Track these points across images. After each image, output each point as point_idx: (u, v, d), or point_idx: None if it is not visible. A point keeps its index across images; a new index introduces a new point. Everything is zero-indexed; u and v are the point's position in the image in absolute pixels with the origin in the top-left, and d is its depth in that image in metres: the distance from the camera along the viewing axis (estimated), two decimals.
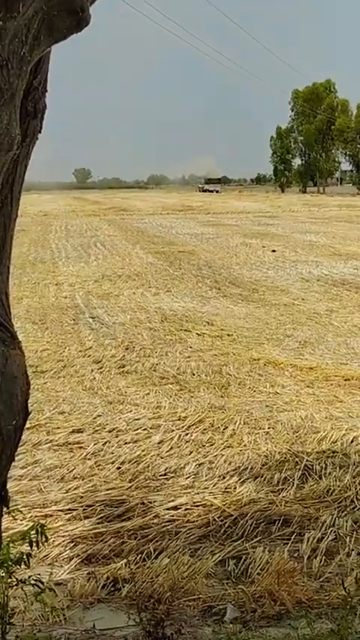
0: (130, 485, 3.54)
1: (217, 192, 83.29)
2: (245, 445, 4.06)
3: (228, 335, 6.84)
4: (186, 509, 3.27)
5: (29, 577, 2.22)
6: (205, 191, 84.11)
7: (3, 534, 1.76)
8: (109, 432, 4.27)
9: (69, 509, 3.29)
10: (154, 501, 3.35)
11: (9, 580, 2.19)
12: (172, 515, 3.21)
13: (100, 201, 48.71)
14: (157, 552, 2.88)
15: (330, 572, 2.75)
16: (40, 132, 1.50)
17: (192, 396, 4.96)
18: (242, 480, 3.60)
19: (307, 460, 3.81)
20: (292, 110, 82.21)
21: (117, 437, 4.19)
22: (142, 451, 3.96)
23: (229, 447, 4.04)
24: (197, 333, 6.92)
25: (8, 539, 2.24)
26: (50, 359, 5.99)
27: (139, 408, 4.70)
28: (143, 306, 8.36)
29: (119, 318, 7.70)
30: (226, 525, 3.13)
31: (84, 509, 3.29)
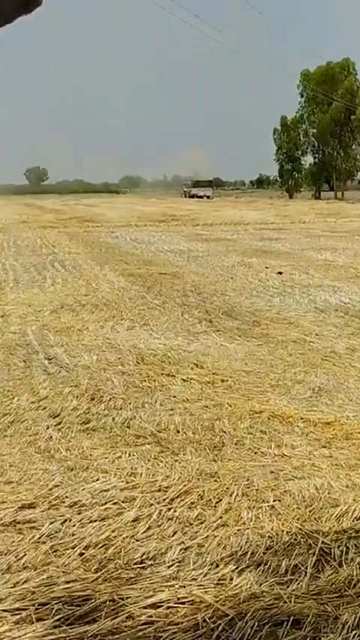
0: (96, 576, 3.52)
1: (207, 197, 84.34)
2: (244, 523, 4.06)
3: (222, 381, 6.87)
4: (168, 608, 3.26)
5: None
6: (192, 196, 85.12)
7: None
8: (70, 507, 4.26)
9: (17, 609, 3.26)
10: (128, 597, 3.33)
11: None
12: (151, 616, 3.19)
13: (60, 209, 49.01)
14: None
15: None
16: None
17: (176, 460, 4.96)
18: (240, 568, 3.59)
19: (323, 542, 3.81)
20: (302, 96, 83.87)
21: (79, 513, 4.17)
22: (112, 532, 3.95)
23: (223, 525, 4.04)
24: (183, 379, 6.94)
25: None
26: None
27: (108, 476, 4.69)
28: (114, 344, 8.39)
29: (83, 359, 7.71)
30: (220, 628, 3.12)
31: (36, 609, 3.26)
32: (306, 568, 3.58)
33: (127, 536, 3.91)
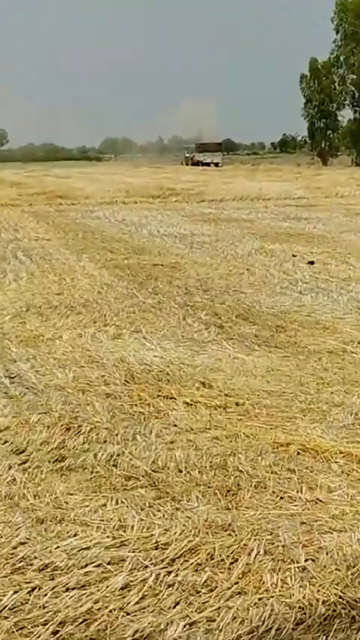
0: None
1: (216, 165, 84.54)
2: (267, 590, 4.05)
3: (237, 404, 6.86)
4: None
5: None
6: (196, 164, 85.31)
7: None
8: (39, 570, 4.25)
9: None
10: None
11: None
12: None
13: (23, 181, 49.02)
14: None
15: None
16: None
17: (177, 508, 4.96)
18: None
19: None
20: (337, 32, 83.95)
21: (52, 579, 4.16)
22: (95, 603, 3.94)
23: (240, 593, 4.03)
24: (186, 402, 6.93)
25: None
26: None
27: (90, 530, 4.68)
28: (95, 358, 8.39)
29: (55, 377, 7.71)
30: None
31: None
32: None
33: (114, 609, 3.90)
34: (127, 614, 3.88)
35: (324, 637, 3.67)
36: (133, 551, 4.44)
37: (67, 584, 4.12)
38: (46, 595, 4.02)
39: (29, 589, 4.08)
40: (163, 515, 4.87)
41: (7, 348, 8.85)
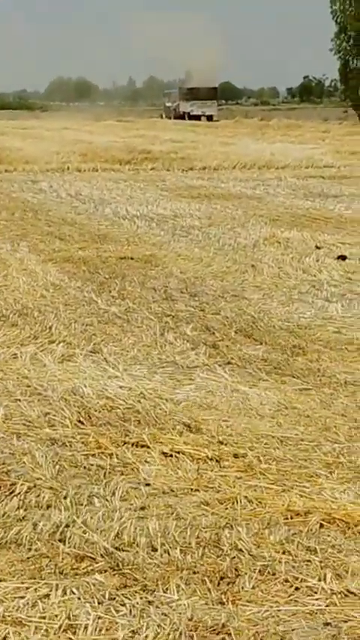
0: None
1: (209, 118, 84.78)
2: None
3: (236, 456, 6.88)
4: None
5: None
6: (181, 116, 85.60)
7: None
8: None
9: None
10: None
11: None
12: None
13: None
14: None
15: None
16: None
17: (150, 602, 4.96)
18: None
19: None
20: None
21: None
22: None
23: None
24: (164, 452, 6.94)
25: None
26: None
27: (26, 631, 4.68)
28: (36, 388, 8.39)
29: None
30: None
31: None
32: None
33: None
34: None
35: None
36: None
37: None
38: None
39: None
40: (130, 612, 4.86)
41: None
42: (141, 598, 5.00)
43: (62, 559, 5.41)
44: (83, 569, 5.31)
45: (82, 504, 6.10)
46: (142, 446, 7.06)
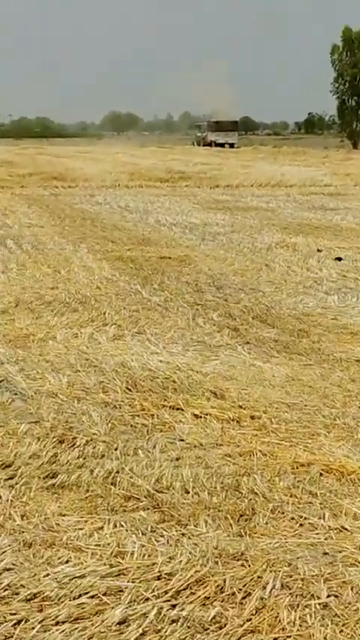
0: None
1: (231, 146, 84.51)
2: (284, 629, 4.05)
3: (252, 418, 6.87)
4: None
5: None
6: (209, 144, 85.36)
7: None
8: (27, 601, 4.25)
9: None
10: None
11: None
12: None
13: (14, 160, 49.06)
14: None
15: None
16: None
17: (183, 534, 4.96)
18: None
19: None
20: None
21: (41, 611, 4.17)
22: (89, 638, 3.95)
23: (253, 631, 4.03)
24: (194, 414, 6.94)
25: None
26: None
27: (84, 556, 4.68)
28: (93, 361, 8.40)
29: (47, 383, 7.72)
30: None
31: None
32: None
33: None
34: None
35: None
36: (133, 581, 4.44)
37: (57, 616, 4.12)
38: (33, 628, 4.03)
39: (15, 621, 4.08)
40: (167, 542, 4.87)
41: None
42: (176, 531, 5.00)
43: (113, 498, 5.42)
44: (130, 507, 5.32)
45: (129, 455, 6.11)
46: (177, 409, 7.06)
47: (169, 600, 4.27)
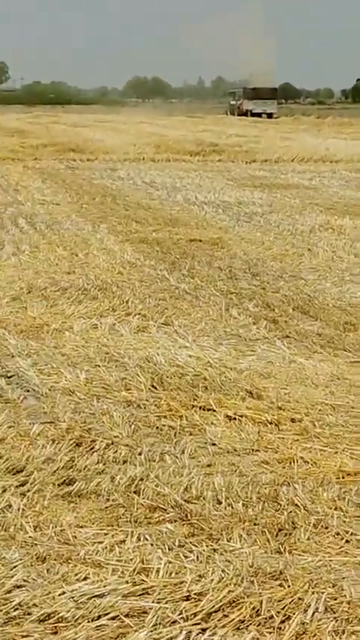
0: None
1: (269, 115, 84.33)
2: None
3: (293, 420, 6.86)
4: None
5: None
6: (244, 114, 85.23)
7: None
8: (40, 622, 4.26)
9: None
10: None
11: None
12: None
13: (27, 129, 49.23)
14: None
15: None
16: None
17: (215, 550, 4.96)
18: None
19: None
20: None
21: (55, 633, 4.18)
22: None
23: None
24: (228, 415, 6.94)
25: None
26: None
27: (104, 573, 4.69)
28: (114, 355, 8.41)
29: (63, 378, 7.74)
30: None
31: None
32: None
33: None
34: None
35: None
36: (158, 602, 4.43)
37: (74, 639, 4.13)
38: None
39: None
40: (197, 558, 4.86)
41: (3, 340, 8.88)
42: (207, 546, 5.00)
43: (137, 509, 5.43)
44: (155, 518, 5.33)
45: (154, 460, 6.12)
46: (209, 409, 7.06)
47: (198, 623, 4.27)
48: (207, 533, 5.15)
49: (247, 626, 4.28)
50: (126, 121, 65.09)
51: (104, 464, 6.06)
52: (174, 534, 5.13)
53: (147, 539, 5.06)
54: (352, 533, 5.16)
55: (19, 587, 4.55)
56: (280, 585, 4.60)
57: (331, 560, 4.87)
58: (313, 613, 4.37)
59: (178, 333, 9.25)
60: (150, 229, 16.03)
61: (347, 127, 63.79)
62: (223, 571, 4.72)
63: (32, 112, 73.71)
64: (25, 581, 4.62)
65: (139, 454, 6.20)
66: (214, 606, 4.41)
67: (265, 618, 4.33)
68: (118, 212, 18.33)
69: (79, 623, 4.26)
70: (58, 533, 5.11)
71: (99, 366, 8.10)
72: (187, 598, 4.49)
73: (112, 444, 6.37)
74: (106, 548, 4.96)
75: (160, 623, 4.27)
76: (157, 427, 6.73)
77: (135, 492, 5.64)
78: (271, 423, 6.81)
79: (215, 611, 4.37)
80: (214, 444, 6.41)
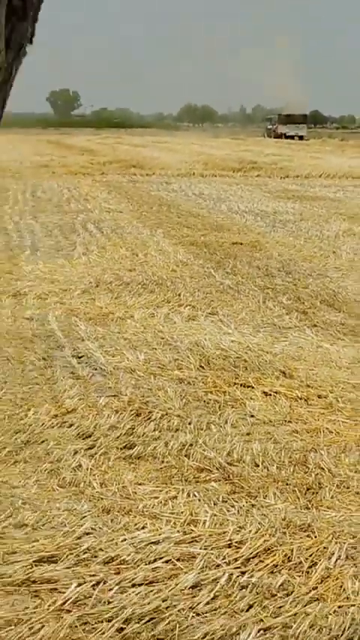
0: None
1: (300, 138, 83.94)
2: (348, 598, 4.04)
3: (319, 396, 6.85)
4: None
5: None
6: (279, 136, 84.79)
7: None
8: (105, 563, 4.29)
9: None
10: None
11: None
12: None
13: (95, 149, 49.34)
14: None
15: None
16: (32, 39, 1.56)
17: (253, 505, 4.97)
18: None
19: None
20: None
21: (118, 573, 4.20)
22: (163, 601, 3.97)
23: (318, 599, 4.03)
24: (264, 392, 6.94)
25: None
26: (2, 429, 6.04)
27: (159, 523, 4.71)
28: (168, 340, 8.42)
29: (125, 359, 7.76)
30: None
31: None
32: None
33: (183, 608, 3.93)
34: (197, 614, 3.89)
35: None
36: (205, 548, 4.45)
37: (133, 579, 4.15)
38: (111, 589, 4.06)
39: (93, 582, 4.12)
40: (238, 512, 4.88)
41: (75, 326, 8.92)
42: (246, 502, 5.02)
43: (187, 470, 5.45)
44: (203, 478, 5.35)
45: (202, 429, 6.13)
46: (248, 386, 7.06)
47: (239, 567, 4.29)
48: (246, 491, 5.16)
49: (280, 570, 4.29)
50: (179, 142, 65.02)
51: (159, 431, 6.08)
52: (218, 491, 5.15)
53: (195, 496, 5.09)
54: None
55: (87, 534, 4.59)
56: (308, 536, 4.61)
57: (352, 516, 4.88)
58: (336, 560, 4.37)
59: (223, 321, 9.25)
60: (199, 234, 16.00)
61: None
62: (259, 523, 4.74)
63: (100, 134, 73.85)
64: (92, 529, 4.65)
65: (189, 423, 6.22)
66: (252, 553, 4.42)
67: (295, 564, 4.34)
68: (172, 219, 18.32)
69: (138, 566, 4.29)
70: (120, 489, 5.15)
71: (155, 348, 8.12)
72: (229, 545, 4.50)
73: (166, 414, 6.38)
74: (160, 502, 5.00)
75: (206, 567, 4.29)
76: (204, 401, 6.74)
77: (185, 456, 5.66)
78: (300, 399, 6.80)
79: (253, 557, 4.39)
80: (252, 416, 6.42)
